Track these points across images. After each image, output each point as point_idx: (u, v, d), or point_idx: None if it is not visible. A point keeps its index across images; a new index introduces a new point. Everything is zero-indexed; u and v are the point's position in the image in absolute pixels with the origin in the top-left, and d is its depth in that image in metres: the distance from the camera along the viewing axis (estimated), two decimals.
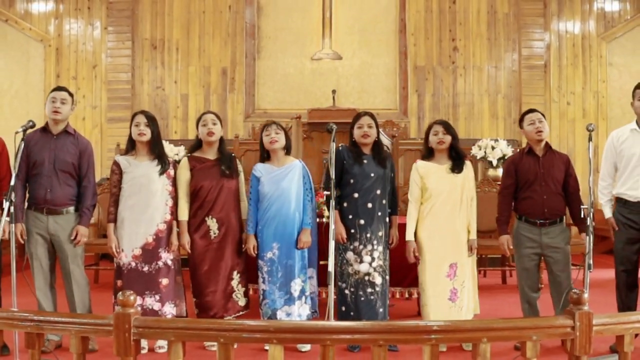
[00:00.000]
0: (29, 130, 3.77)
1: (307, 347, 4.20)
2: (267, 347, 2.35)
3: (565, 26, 8.86)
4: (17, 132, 3.69)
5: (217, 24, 8.86)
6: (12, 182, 3.52)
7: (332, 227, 3.48)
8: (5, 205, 3.45)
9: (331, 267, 3.34)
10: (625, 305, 4.29)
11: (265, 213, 4.26)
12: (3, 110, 8.66)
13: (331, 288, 3.35)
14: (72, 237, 4.12)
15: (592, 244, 3.68)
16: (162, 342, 4.14)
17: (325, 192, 3.82)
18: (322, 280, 4.40)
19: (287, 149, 4.39)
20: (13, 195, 3.49)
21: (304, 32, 8.91)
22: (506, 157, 6.59)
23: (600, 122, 8.70)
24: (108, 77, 8.81)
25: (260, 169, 4.32)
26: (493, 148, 7.20)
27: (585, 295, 2.35)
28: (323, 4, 8.87)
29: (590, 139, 3.96)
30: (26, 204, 4.16)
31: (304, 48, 8.90)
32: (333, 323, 2.93)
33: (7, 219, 3.46)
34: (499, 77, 8.84)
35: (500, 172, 6.36)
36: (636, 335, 2.48)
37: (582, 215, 3.98)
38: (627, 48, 8.82)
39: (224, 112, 8.68)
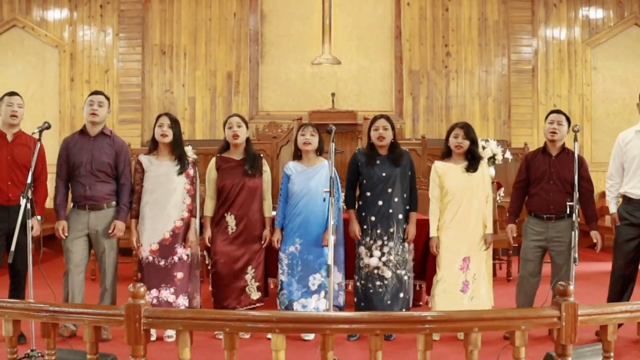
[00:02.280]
0: (44, 131, 3.76)
1: (310, 337, 4.20)
2: (269, 336, 2.35)
3: (552, 33, 8.85)
4: (33, 133, 3.70)
5: (223, 30, 8.85)
6: (29, 180, 3.52)
7: (330, 222, 3.50)
8: (22, 202, 3.45)
9: (330, 261, 3.35)
10: (619, 296, 4.25)
11: (292, 209, 4.28)
12: None
13: (331, 280, 3.36)
14: (110, 231, 4.16)
15: (577, 239, 3.68)
16: (171, 332, 4.16)
17: (325, 190, 3.82)
18: (349, 274, 4.52)
19: (319, 151, 4.39)
20: (30, 192, 3.49)
21: (305, 38, 8.89)
22: (496, 157, 6.58)
23: (585, 123, 8.70)
24: (119, 80, 8.80)
25: (291, 167, 4.35)
26: (484, 148, 7.18)
27: (571, 287, 2.35)
28: (323, 11, 8.86)
29: (575, 140, 3.96)
30: (70, 204, 4.25)
31: (305, 53, 8.89)
32: (332, 314, 2.94)
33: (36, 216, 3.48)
34: (490, 81, 8.83)
35: (492, 170, 6.35)
36: (620, 325, 2.48)
37: (568, 211, 3.97)
38: (611, 53, 8.81)
39: (229, 113, 8.56)
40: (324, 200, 4.20)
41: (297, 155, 4.41)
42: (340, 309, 4.46)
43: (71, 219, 4.19)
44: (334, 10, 8.85)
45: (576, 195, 3.81)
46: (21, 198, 3.47)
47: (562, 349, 2.35)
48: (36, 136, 3.70)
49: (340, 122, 6.65)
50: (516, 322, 2.32)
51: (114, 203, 4.23)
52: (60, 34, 8.86)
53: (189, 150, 6.86)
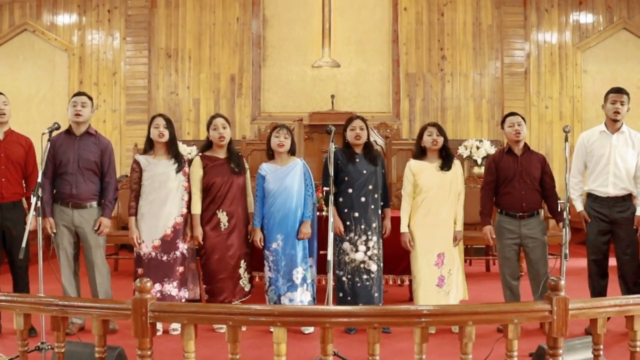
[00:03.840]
0: (54, 133, 3.77)
1: (310, 330, 4.20)
2: (272, 329, 2.34)
3: (543, 37, 8.85)
4: (43, 134, 3.69)
5: (226, 34, 8.84)
6: (39, 180, 3.51)
7: (331, 220, 3.49)
8: (33, 200, 3.44)
9: (330, 257, 3.34)
10: (597, 291, 4.31)
11: (270, 207, 4.26)
12: (31, 113, 8.66)
13: (330, 276, 3.36)
14: (96, 228, 4.13)
15: (568, 235, 3.68)
16: (176, 325, 4.16)
17: (325, 188, 3.82)
18: (321, 269, 4.42)
19: (292, 152, 4.40)
20: (40, 191, 3.48)
21: (306, 42, 8.89)
22: (489, 156, 6.58)
23: (576, 124, 8.69)
24: (126, 83, 8.79)
25: (265, 168, 4.32)
26: (478, 148, 7.19)
27: (562, 282, 2.35)
28: (323, 16, 8.85)
29: (566, 140, 3.95)
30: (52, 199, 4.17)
31: (306, 56, 8.88)
32: (332, 307, 2.93)
33: (35, 212, 3.45)
34: (483, 83, 8.82)
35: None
36: (608, 318, 2.48)
37: (559, 209, 3.97)
38: (600, 57, 8.81)
39: (232, 115, 8.67)
40: (325, 197, 4.21)
41: (270, 155, 4.40)
42: (314, 300, 4.44)
43: (56, 215, 4.12)
44: (333, 15, 8.84)
45: (567, 193, 3.81)
46: (32, 197, 3.46)
47: (553, 342, 2.35)
48: (46, 136, 3.69)
49: (340, 122, 6.59)
50: (509, 316, 2.32)
51: (95, 203, 4.17)
52: (70, 38, 8.85)
53: (193, 149, 6.89)
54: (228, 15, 8.85)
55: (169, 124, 4.28)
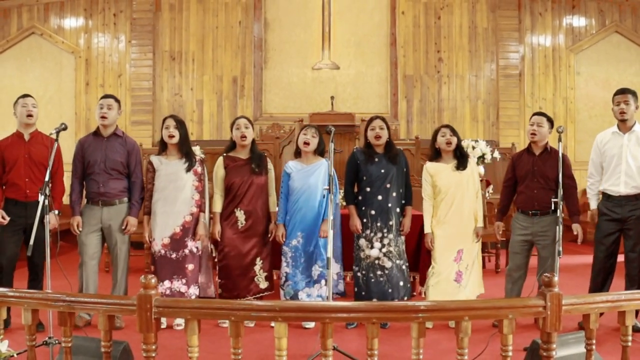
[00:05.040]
0: (61, 132, 3.75)
1: (311, 325, 4.20)
2: (273, 324, 2.34)
3: (537, 40, 8.84)
4: (51, 134, 3.70)
5: (229, 37, 8.84)
6: (47, 178, 3.51)
7: (330, 217, 3.51)
8: (40, 198, 3.44)
9: (329, 253, 3.36)
10: (599, 287, 4.24)
11: (293, 205, 4.28)
12: (39, 114, 8.62)
13: (330, 272, 3.36)
14: (123, 227, 4.16)
15: (561, 233, 3.67)
16: (180, 320, 4.16)
17: (325, 187, 3.82)
18: (347, 266, 4.47)
19: (319, 152, 4.38)
20: (47, 189, 3.48)
21: (306, 45, 8.88)
22: (485, 156, 6.58)
23: (569, 124, 8.69)
24: (132, 84, 8.78)
25: (291, 165, 4.34)
26: (474, 148, 7.17)
27: (556, 279, 2.34)
28: (323, 20, 8.84)
29: (559, 139, 3.96)
30: (84, 200, 4.25)
31: (306, 59, 8.87)
32: (332, 303, 2.93)
33: (47, 211, 3.46)
34: (479, 85, 8.82)
35: (481, 169, 6.35)
36: (601, 314, 2.48)
37: (553, 207, 3.97)
38: (593, 59, 8.80)
39: (234, 116, 8.61)
40: (323, 196, 4.22)
41: (297, 153, 4.40)
42: (341, 295, 4.50)
43: (85, 214, 4.19)
44: (333, 18, 8.83)
45: (560, 192, 3.80)
46: (39, 194, 3.46)
47: (547, 337, 2.34)
48: (54, 136, 3.69)
49: (339, 123, 6.62)
50: (504, 311, 2.32)
51: (125, 199, 4.23)
52: (76, 41, 8.85)
53: (196, 149, 6.89)
54: (230, 18, 8.84)
55: (180, 125, 4.28)
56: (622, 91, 4.27)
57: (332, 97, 8.31)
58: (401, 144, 7.63)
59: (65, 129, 3.76)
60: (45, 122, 8.36)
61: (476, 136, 8.53)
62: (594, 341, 2.47)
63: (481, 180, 5.35)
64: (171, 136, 4.23)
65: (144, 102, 8.73)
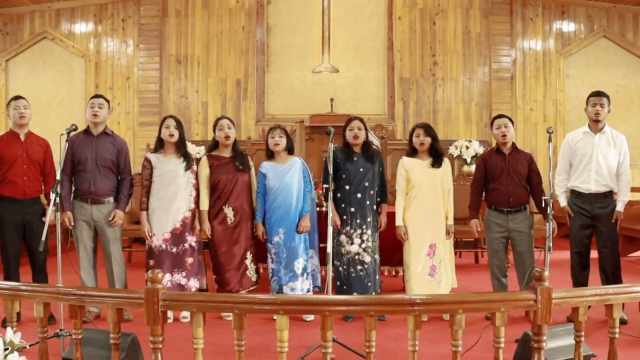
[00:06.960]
0: (72, 133, 3.76)
1: (310, 317, 4.20)
2: (275, 317, 2.34)
3: (528, 44, 8.84)
4: (62, 135, 3.69)
5: (233, 42, 8.83)
6: (58, 177, 3.50)
7: (330, 215, 3.49)
8: (52, 196, 3.44)
9: (330, 249, 3.34)
10: (579, 281, 4.30)
11: (271, 203, 4.26)
12: (50, 115, 8.65)
13: (329, 267, 3.35)
14: (110, 219, 4.13)
15: (552, 229, 3.67)
16: (186, 313, 4.16)
17: (324, 185, 3.81)
18: (322, 260, 4.43)
19: (290, 150, 4.38)
20: (59, 187, 3.47)
21: (306, 49, 8.87)
22: (478, 155, 6.58)
23: (559, 125, 8.69)
24: (139, 87, 8.78)
25: (265, 166, 4.32)
26: (467, 147, 7.20)
27: (546, 273, 2.34)
28: (323, 25, 8.84)
29: (550, 140, 3.94)
30: (72, 195, 4.17)
31: (306, 62, 8.87)
32: (331, 297, 2.93)
33: (54, 208, 3.44)
34: (472, 87, 8.81)
35: (473, 168, 6.35)
36: (589, 307, 2.48)
37: (543, 205, 3.97)
38: (582, 62, 8.81)
39: (237, 117, 8.67)
40: (325, 194, 4.21)
41: (270, 155, 4.40)
42: (320, 288, 4.48)
43: (75, 210, 4.12)
44: (332, 23, 8.83)
45: (551, 190, 3.80)
46: (51, 193, 3.45)
47: (538, 329, 2.34)
48: (65, 137, 3.69)
49: (339, 124, 6.60)
50: (496, 305, 2.31)
51: (112, 199, 4.17)
52: (86, 45, 8.84)
53: (201, 149, 6.89)
54: (234, 24, 8.84)
55: (179, 125, 4.28)
56: (598, 94, 4.28)
57: (331, 99, 8.31)
58: (398, 144, 7.66)
59: (75, 129, 3.76)
60: (57, 123, 8.38)
61: (470, 136, 8.53)
62: (582, 333, 2.46)
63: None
64: (172, 135, 4.23)
65: (151, 104, 8.73)
